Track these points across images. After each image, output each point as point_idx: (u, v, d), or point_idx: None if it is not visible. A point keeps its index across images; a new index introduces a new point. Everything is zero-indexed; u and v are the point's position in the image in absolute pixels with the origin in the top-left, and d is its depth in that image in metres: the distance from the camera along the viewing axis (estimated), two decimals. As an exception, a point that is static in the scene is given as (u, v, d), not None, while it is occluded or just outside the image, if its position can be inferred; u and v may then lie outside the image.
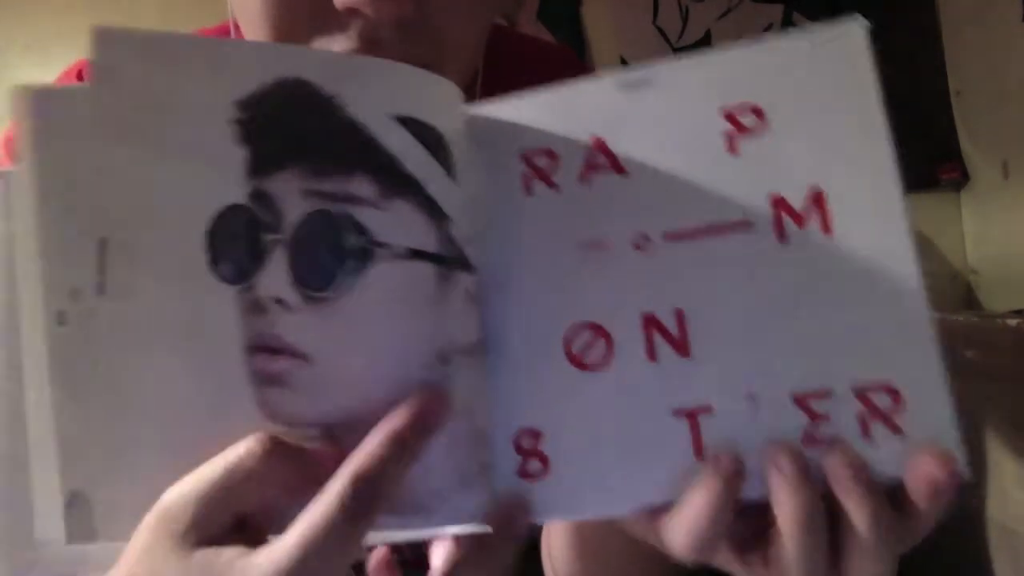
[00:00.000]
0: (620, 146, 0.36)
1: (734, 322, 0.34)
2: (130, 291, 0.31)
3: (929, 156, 1.70)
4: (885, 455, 0.31)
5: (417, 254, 0.34)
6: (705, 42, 1.83)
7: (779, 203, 0.34)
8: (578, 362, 0.35)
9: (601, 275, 0.36)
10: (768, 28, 1.79)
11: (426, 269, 0.34)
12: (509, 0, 1.38)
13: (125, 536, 0.30)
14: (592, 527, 0.47)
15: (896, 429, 0.31)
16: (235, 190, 0.32)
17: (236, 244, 0.32)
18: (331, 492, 0.28)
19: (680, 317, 0.34)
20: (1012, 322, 0.72)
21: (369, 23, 0.42)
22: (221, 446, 0.30)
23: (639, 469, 0.33)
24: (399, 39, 0.43)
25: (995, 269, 1.68)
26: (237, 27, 0.52)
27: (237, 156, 0.32)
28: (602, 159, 0.36)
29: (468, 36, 0.47)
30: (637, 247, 0.35)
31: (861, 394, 0.32)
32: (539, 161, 0.37)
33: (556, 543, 0.50)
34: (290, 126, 0.33)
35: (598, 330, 0.35)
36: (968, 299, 1.71)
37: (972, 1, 1.66)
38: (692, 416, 0.33)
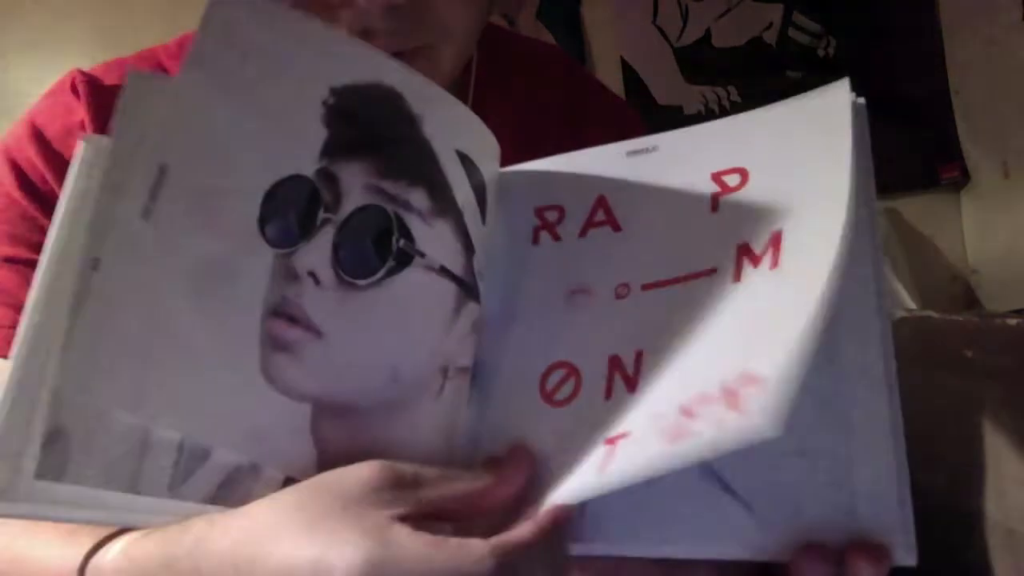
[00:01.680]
0: (620, 205, 0.39)
1: (678, 358, 0.33)
2: (174, 222, 0.31)
3: (929, 156, 1.70)
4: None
5: (447, 272, 0.36)
6: (705, 41, 1.83)
7: (743, 250, 0.35)
8: (549, 398, 0.36)
9: (582, 319, 0.37)
10: (768, 28, 1.79)
11: (450, 288, 0.36)
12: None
13: (90, 480, 0.29)
14: None
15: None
16: (306, 163, 0.34)
17: (291, 211, 0.33)
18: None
19: (638, 357, 0.35)
20: (1012, 322, 0.72)
21: (359, 12, 0.42)
22: (218, 401, 0.30)
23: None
24: (390, 27, 0.43)
25: (995, 269, 1.68)
26: None
27: (318, 133, 0.34)
28: (602, 216, 0.39)
29: (461, 23, 0.47)
30: (618, 296, 0.37)
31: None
32: (549, 215, 0.41)
33: None
34: (373, 125, 0.35)
35: (571, 369, 0.36)
36: (968, 299, 1.71)
37: (972, 1, 1.67)
38: (612, 443, 0.32)
